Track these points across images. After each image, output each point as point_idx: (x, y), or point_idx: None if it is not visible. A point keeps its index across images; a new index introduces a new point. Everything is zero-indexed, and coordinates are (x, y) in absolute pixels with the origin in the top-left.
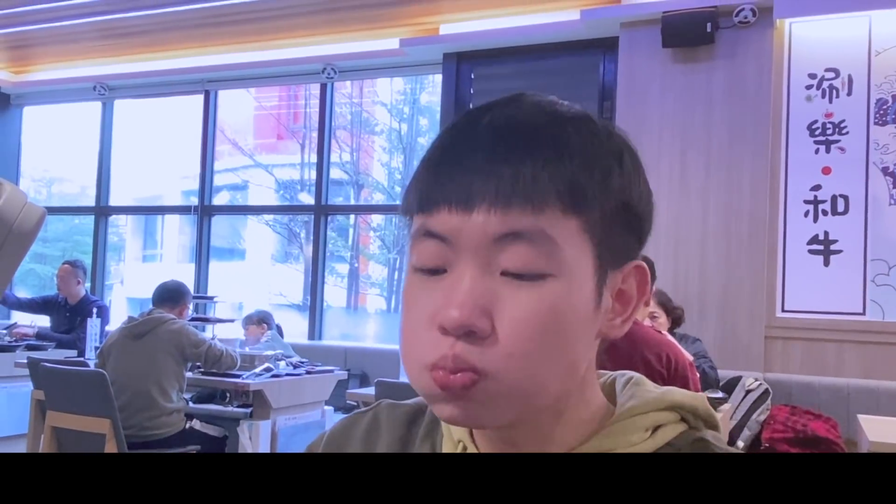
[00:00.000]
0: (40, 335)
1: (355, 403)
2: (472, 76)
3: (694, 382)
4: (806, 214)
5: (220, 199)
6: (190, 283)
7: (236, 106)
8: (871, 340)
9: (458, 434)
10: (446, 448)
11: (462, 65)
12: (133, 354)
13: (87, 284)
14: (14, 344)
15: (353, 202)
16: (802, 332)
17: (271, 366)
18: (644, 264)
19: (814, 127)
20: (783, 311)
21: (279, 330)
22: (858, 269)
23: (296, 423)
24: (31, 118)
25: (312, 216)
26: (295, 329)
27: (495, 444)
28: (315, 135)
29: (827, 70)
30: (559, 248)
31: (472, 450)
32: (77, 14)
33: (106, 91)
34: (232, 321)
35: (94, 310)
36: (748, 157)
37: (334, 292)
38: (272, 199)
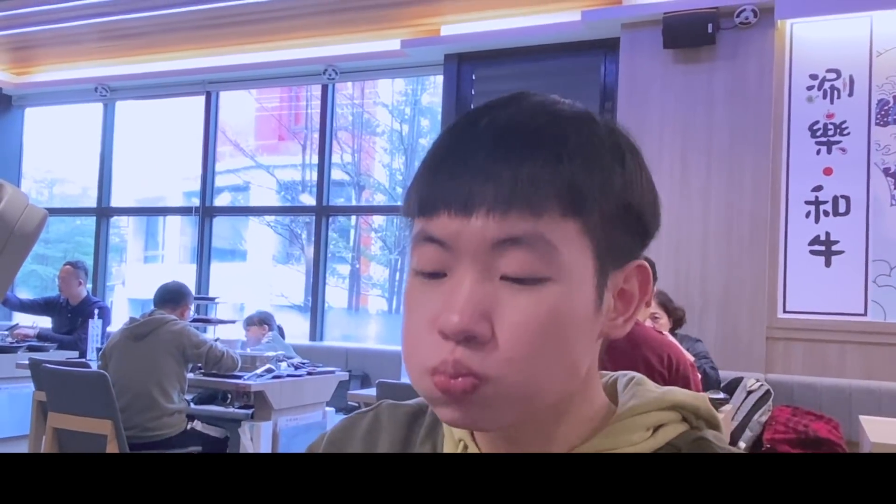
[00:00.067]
0: (42, 336)
1: (356, 404)
2: (474, 77)
3: (695, 383)
4: (807, 215)
5: (221, 201)
6: (191, 284)
7: (237, 107)
8: (872, 341)
9: (459, 434)
10: (447, 448)
11: (463, 66)
12: (134, 355)
13: (89, 285)
14: (16, 345)
15: (354, 203)
16: (804, 332)
17: (272, 367)
18: (646, 264)
19: (815, 128)
20: (785, 311)
21: (280, 331)
22: (860, 269)
23: (297, 425)
24: (33, 119)
25: (314, 217)
26: (296, 330)
27: (496, 444)
28: (316, 136)
29: (828, 71)
30: (558, 252)
31: (473, 449)
32: (78, 16)
33: (107, 92)
34: (233, 322)
35: (96, 311)
36: (749, 158)
37: (335, 293)
38: (273, 200)
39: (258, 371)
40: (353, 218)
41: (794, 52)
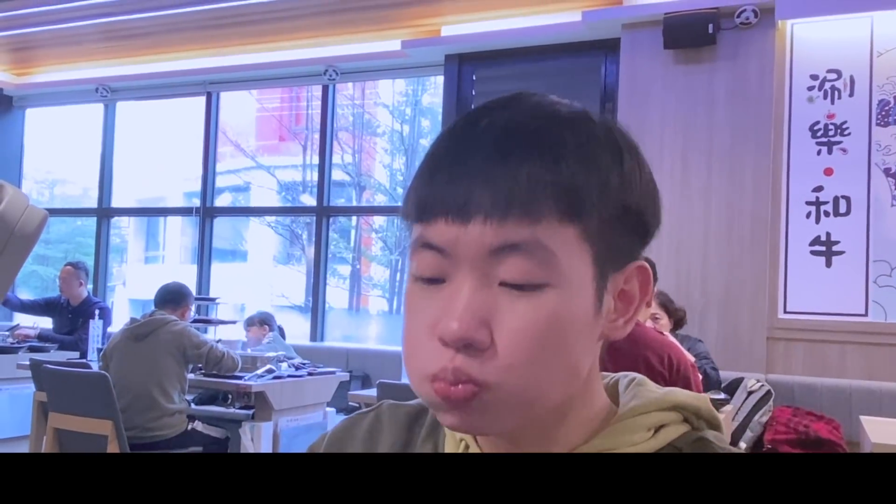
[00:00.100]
0: (42, 337)
1: (357, 405)
2: (474, 77)
3: (696, 384)
4: (808, 215)
5: (222, 201)
6: (192, 285)
7: (238, 107)
8: (873, 342)
9: (460, 434)
10: (449, 448)
11: (464, 66)
12: (135, 356)
13: (90, 286)
14: (16, 345)
15: (354, 204)
16: (804, 333)
17: (273, 367)
18: (646, 264)
19: (816, 128)
20: (785, 312)
21: (281, 331)
22: (861, 270)
23: (297, 425)
24: (34, 120)
25: (314, 218)
26: (297, 330)
27: (498, 445)
28: (317, 136)
29: (829, 71)
30: (556, 257)
31: (474, 449)
32: (79, 16)
33: (108, 93)
34: (234, 323)
35: (97, 311)
36: (750, 159)
37: (336, 294)
38: (274, 201)
39: (259, 371)
40: (354, 218)
41: (794, 53)
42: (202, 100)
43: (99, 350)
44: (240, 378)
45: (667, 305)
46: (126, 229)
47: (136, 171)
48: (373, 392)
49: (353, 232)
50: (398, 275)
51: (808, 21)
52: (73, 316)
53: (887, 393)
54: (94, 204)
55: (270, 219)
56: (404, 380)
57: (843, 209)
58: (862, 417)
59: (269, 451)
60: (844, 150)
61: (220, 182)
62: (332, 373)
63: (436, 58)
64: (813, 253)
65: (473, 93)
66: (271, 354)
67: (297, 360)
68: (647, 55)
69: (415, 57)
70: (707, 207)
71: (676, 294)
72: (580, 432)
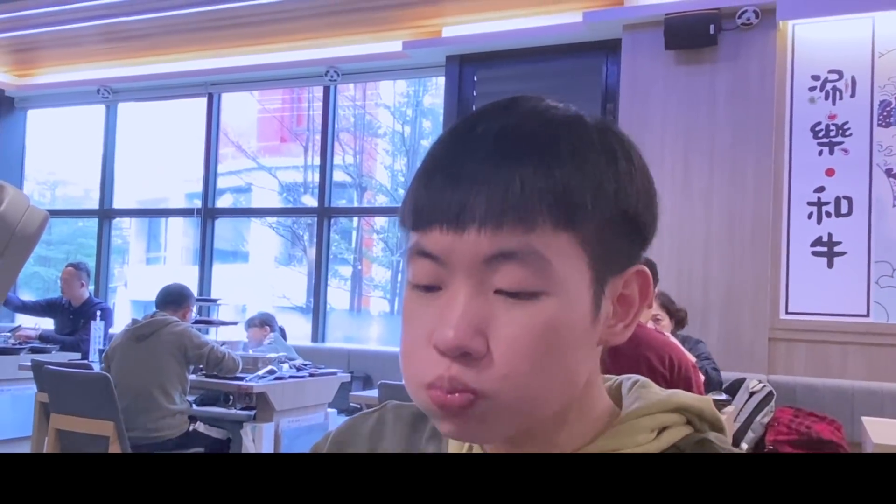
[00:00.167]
0: (44, 338)
1: (358, 406)
2: (475, 78)
3: (697, 384)
4: (809, 216)
5: (223, 202)
6: (193, 286)
7: (240, 108)
8: (875, 342)
9: None
10: (452, 448)
11: (465, 67)
12: (136, 356)
13: (91, 287)
14: (18, 346)
15: (356, 204)
16: (806, 333)
17: (274, 368)
18: (646, 268)
19: (817, 129)
20: (787, 312)
21: (282, 332)
22: (862, 270)
23: (299, 426)
24: (35, 121)
25: (315, 218)
26: (298, 331)
27: (499, 448)
28: (318, 137)
29: (830, 72)
30: (551, 265)
31: (477, 450)
32: (81, 18)
33: (109, 94)
34: (235, 324)
35: (98, 312)
36: (751, 159)
37: (337, 295)
38: (275, 202)
39: (260, 372)
40: (355, 219)
41: (795, 53)
42: (203, 101)
43: (101, 351)
44: (241, 379)
45: (668, 306)
46: (127, 230)
47: (138, 173)
48: (374, 393)
49: (354, 233)
50: (399, 276)
51: (810, 22)
52: (74, 317)
53: (889, 394)
54: (95, 205)
55: (272, 220)
56: None
57: (844, 210)
58: (864, 418)
59: (271, 451)
60: (846, 151)
61: (222, 183)
62: (334, 374)
63: (437, 59)
64: (814, 253)
65: (474, 94)
66: (272, 355)
67: (299, 361)
68: (648, 56)
69: (416, 58)
70: (708, 208)
71: (677, 295)
72: (582, 435)
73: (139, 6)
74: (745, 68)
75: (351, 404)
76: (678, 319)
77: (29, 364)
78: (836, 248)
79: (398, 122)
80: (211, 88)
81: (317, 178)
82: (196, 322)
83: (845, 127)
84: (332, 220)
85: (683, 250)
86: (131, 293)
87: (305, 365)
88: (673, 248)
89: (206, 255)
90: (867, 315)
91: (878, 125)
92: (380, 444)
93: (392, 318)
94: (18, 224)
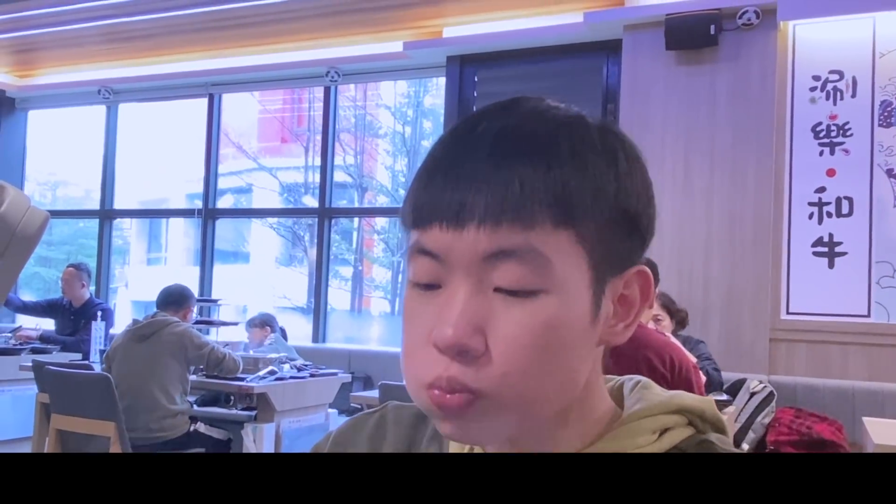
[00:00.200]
0: (45, 338)
1: (359, 406)
2: (476, 79)
3: (698, 385)
4: (810, 216)
5: (224, 203)
6: (194, 287)
7: (240, 109)
8: (875, 342)
9: None
10: (453, 449)
11: (465, 68)
12: (137, 357)
13: (92, 287)
14: (19, 347)
15: (356, 205)
16: (807, 334)
17: (275, 368)
18: (646, 269)
19: (818, 129)
20: (788, 313)
21: (283, 333)
22: (863, 271)
23: (300, 426)
24: (36, 122)
25: (316, 219)
26: (299, 332)
27: (500, 448)
28: (319, 138)
29: (831, 72)
30: (551, 263)
31: (478, 451)
32: (81, 18)
33: (110, 95)
34: (236, 324)
35: (99, 313)
36: (752, 160)
37: (338, 295)
38: (276, 203)
39: (261, 373)
40: (356, 220)
41: (796, 54)
42: (204, 101)
43: (101, 351)
44: (242, 379)
45: (669, 306)
46: (128, 231)
47: (139, 173)
48: (375, 393)
49: (354, 233)
50: (400, 276)
51: (810, 22)
52: (75, 317)
53: (890, 394)
54: (96, 205)
55: (272, 220)
56: None
57: (845, 210)
58: (864, 419)
59: (272, 452)
60: (847, 151)
61: (222, 184)
62: (334, 374)
63: (437, 59)
64: (815, 254)
65: (475, 94)
66: (273, 356)
67: (299, 362)
68: (648, 56)
69: (416, 58)
70: (709, 208)
71: (678, 295)
72: (583, 436)
73: (140, 7)
74: (745, 69)
75: (352, 405)
76: (679, 320)
77: (30, 364)
78: (837, 249)
79: (399, 123)
80: (211, 89)
81: (317, 178)
82: (197, 322)
83: (846, 127)
84: (333, 221)
85: (684, 250)
86: (132, 294)
87: (306, 365)
88: (673, 248)
89: (206, 256)
90: (868, 315)
91: (879, 125)
92: (381, 445)
93: (393, 318)
94: (19, 224)
